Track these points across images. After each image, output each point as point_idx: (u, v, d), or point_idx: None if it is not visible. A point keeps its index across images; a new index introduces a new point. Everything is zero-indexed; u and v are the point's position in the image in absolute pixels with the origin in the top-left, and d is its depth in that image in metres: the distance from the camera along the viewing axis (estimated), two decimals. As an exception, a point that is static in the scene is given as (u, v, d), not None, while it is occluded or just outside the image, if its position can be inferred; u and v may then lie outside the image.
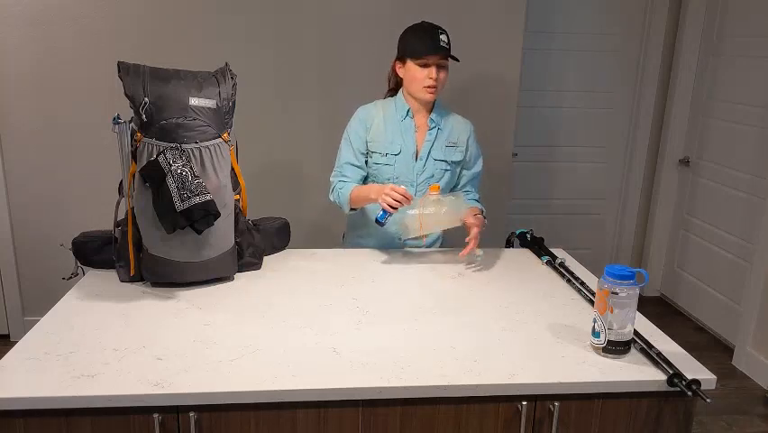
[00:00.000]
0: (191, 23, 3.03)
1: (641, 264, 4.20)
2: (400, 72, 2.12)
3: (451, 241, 2.28)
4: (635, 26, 3.83)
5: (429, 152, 2.13)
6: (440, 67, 2.04)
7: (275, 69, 3.14)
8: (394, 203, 1.89)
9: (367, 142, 2.14)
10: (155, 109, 1.74)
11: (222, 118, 1.85)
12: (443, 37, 2.04)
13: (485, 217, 2.15)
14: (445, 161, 2.14)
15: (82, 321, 1.60)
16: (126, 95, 1.76)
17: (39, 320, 1.60)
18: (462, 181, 2.24)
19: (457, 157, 2.17)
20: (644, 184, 4.07)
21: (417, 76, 2.04)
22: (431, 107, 2.15)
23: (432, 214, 1.96)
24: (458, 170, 2.20)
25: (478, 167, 2.26)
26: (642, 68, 3.88)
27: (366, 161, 2.16)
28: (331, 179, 2.20)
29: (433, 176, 2.14)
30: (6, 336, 3.32)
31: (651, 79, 3.87)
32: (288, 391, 1.34)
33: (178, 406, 1.33)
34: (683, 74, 3.78)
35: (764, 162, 3.23)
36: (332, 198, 2.17)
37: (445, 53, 2.03)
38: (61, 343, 1.49)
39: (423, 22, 2.10)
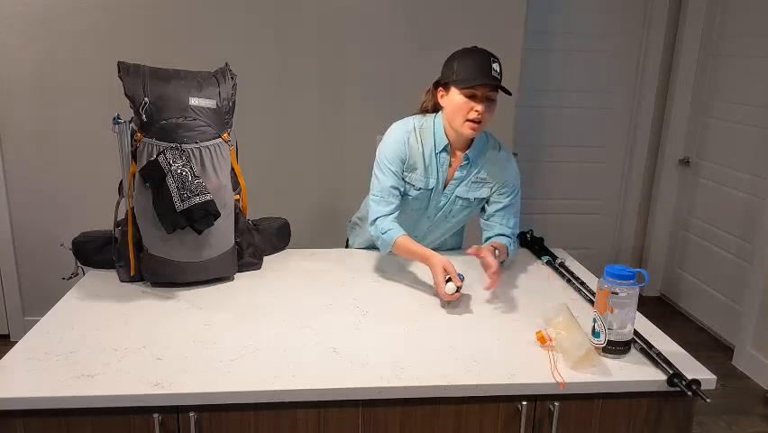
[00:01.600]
0: (191, 23, 3.03)
1: (641, 264, 4.19)
2: (442, 101, 1.90)
3: (451, 244, 2.27)
4: (635, 26, 3.82)
5: (454, 190, 1.99)
6: (489, 100, 1.81)
7: (275, 69, 3.14)
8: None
9: (403, 171, 1.96)
10: (155, 109, 1.74)
11: (222, 118, 1.85)
12: (495, 66, 1.80)
13: (508, 255, 1.98)
14: (467, 199, 2.00)
15: (82, 321, 1.60)
16: (126, 95, 1.75)
17: (39, 320, 1.60)
18: (496, 208, 2.02)
19: (482, 194, 2.01)
20: (644, 184, 4.06)
21: (462, 108, 1.81)
22: (470, 141, 1.96)
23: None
24: (478, 207, 2.05)
25: (515, 197, 2.04)
26: (642, 68, 3.88)
27: None
28: (374, 205, 1.94)
29: (451, 211, 2.03)
30: (6, 336, 3.32)
31: (651, 79, 3.86)
32: (288, 391, 1.34)
33: (178, 406, 1.33)
34: (683, 74, 3.77)
35: (764, 162, 3.23)
36: (372, 232, 1.95)
37: (496, 84, 1.79)
38: (61, 343, 1.49)
39: (474, 47, 1.86)
